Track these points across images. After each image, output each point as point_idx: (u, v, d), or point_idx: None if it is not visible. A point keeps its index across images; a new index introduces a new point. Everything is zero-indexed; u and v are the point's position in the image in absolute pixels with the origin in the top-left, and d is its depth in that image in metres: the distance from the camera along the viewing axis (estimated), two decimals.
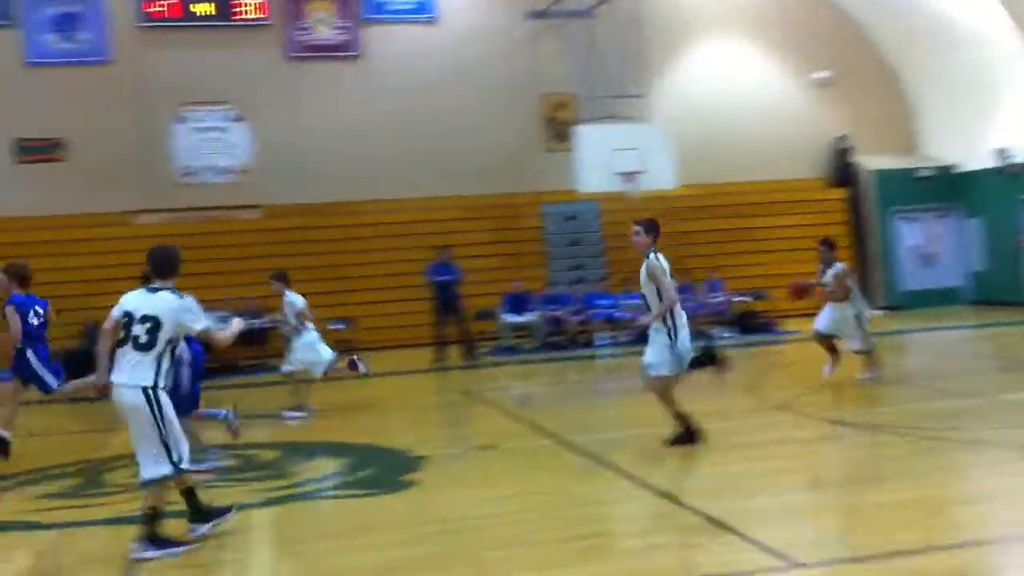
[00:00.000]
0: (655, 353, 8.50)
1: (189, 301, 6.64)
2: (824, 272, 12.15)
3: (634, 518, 6.85)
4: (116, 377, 6.46)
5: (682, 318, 8.56)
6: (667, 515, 6.73)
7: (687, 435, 8.53)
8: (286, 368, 12.98)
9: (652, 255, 8.50)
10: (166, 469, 6.37)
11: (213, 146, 21.42)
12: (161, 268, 6.74)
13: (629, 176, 20.01)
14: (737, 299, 20.94)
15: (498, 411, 12.38)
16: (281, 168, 21.29)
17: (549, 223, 22.66)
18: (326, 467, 8.86)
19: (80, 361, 18.30)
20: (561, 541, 6.16)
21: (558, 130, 22.61)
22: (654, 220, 8.73)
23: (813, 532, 6.10)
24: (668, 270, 8.56)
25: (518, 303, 20.00)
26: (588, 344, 19.44)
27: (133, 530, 6.66)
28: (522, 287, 20.33)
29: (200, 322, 6.59)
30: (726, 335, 19.30)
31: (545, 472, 8.21)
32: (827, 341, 12.06)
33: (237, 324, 7.12)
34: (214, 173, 21.42)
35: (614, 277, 21.73)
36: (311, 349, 12.62)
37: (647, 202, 20.90)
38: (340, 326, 20.47)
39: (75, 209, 20.50)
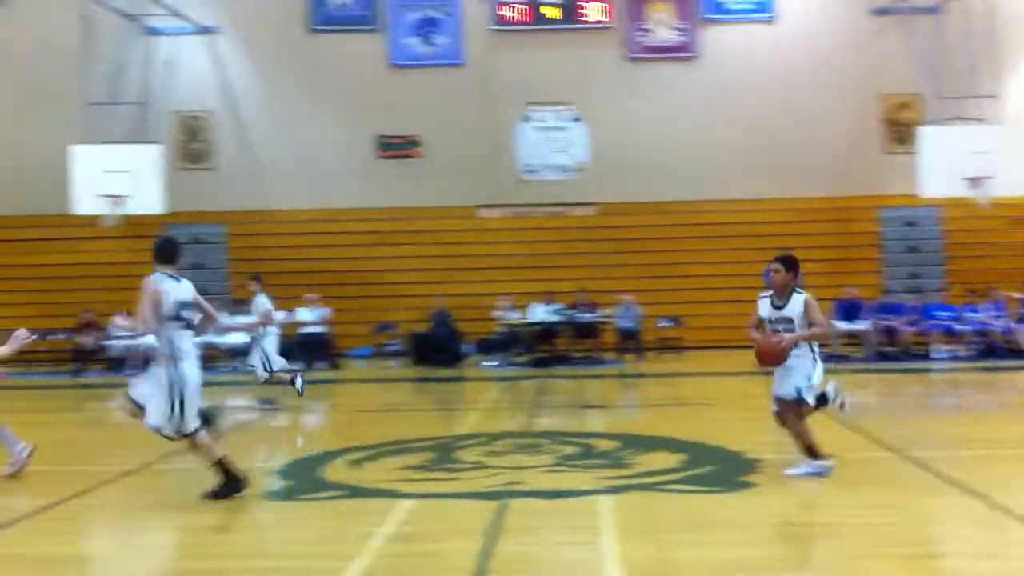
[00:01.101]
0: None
1: None
2: None
3: (990, 542, 6.62)
4: None
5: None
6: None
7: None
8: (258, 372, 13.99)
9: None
10: None
11: (553, 145, 22.32)
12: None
13: (977, 181, 18.96)
14: None
15: (832, 420, 12.18)
16: (616, 167, 21.85)
17: (886, 228, 21.88)
18: (663, 461, 9.11)
19: (428, 343, 19.79)
20: (913, 559, 6.08)
21: (899, 132, 21.78)
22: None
23: None
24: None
25: (850, 310, 19.45)
26: (923, 356, 18.61)
27: (485, 505, 7.24)
28: (855, 294, 19.76)
29: None
30: None
31: (887, 486, 8.07)
32: None
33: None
34: (553, 171, 22.32)
35: (954, 288, 20.67)
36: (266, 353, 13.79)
37: (996, 209, 19.70)
38: (667, 324, 20.79)
39: (426, 202, 22.05)
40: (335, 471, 8.99)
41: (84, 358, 19.53)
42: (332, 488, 8.26)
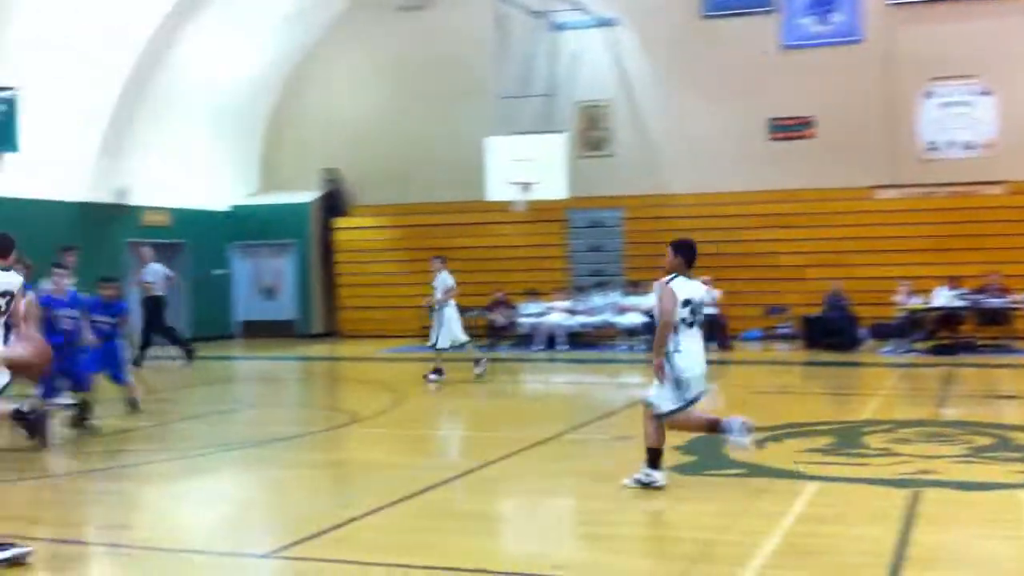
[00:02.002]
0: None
1: None
2: None
3: None
4: None
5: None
6: None
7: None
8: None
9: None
10: None
11: (958, 121, 21.20)
12: None
13: None
14: None
15: None
16: None
17: None
18: None
19: (821, 327, 19.61)
20: None
21: None
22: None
23: None
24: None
25: None
26: None
27: (896, 492, 7.29)
28: None
29: None
30: None
31: None
32: None
33: None
34: (958, 148, 21.21)
35: None
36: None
37: None
38: None
39: (820, 184, 21.74)
40: (737, 449, 9.33)
41: (496, 334, 21.20)
42: (735, 466, 8.60)
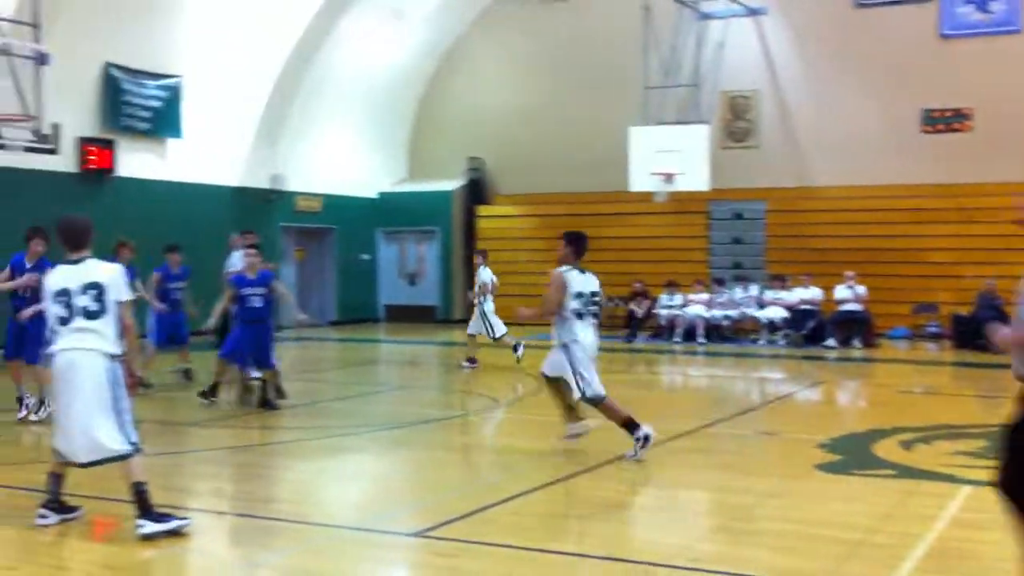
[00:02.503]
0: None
1: None
2: None
3: None
4: None
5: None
6: None
7: None
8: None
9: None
10: None
11: None
12: None
13: None
14: None
15: None
16: None
17: None
18: None
19: (972, 327, 18.99)
20: None
21: None
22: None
23: None
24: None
25: None
26: None
27: None
28: None
29: None
30: None
31: None
32: None
33: None
34: None
35: None
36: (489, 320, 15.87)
37: None
38: None
39: (976, 178, 20.99)
40: (886, 449, 9.18)
41: (634, 325, 21.20)
42: (885, 466, 8.47)
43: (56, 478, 6.62)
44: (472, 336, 16.26)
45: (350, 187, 25.40)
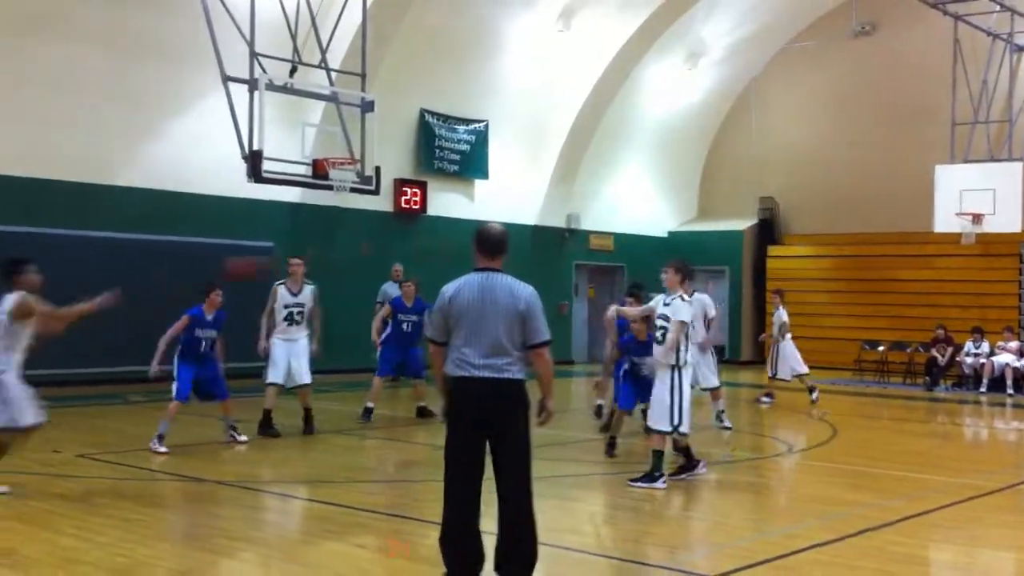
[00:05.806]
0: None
1: None
2: None
3: None
4: None
5: None
6: None
7: None
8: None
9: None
10: None
11: None
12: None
13: None
14: None
15: None
16: None
17: None
18: None
19: None
20: None
21: None
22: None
23: None
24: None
25: None
26: None
27: None
28: None
29: None
30: None
31: None
32: None
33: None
34: None
35: None
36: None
37: None
38: None
39: None
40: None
41: (937, 372, 20.25)
42: None
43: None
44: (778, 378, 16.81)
45: (641, 226, 25.81)
